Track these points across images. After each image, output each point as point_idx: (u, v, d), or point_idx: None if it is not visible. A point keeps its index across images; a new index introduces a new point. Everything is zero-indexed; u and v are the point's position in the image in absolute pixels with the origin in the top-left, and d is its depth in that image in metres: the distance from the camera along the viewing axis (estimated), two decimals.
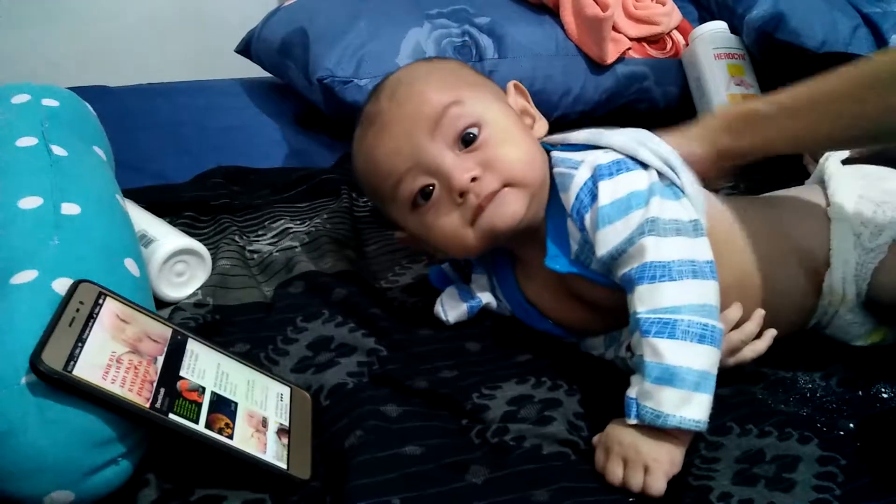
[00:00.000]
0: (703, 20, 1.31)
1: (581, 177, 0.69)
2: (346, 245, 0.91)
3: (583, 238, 0.69)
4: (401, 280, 0.88)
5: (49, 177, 0.70)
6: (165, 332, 0.62)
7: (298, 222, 0.99)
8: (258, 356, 0.72)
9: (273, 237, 0.95)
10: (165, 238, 0.81)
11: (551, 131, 0.79)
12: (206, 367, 0.62)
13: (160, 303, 0.79)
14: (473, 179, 0.68)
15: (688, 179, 0.71)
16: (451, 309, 0.78)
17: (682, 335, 0.60)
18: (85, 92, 0.96)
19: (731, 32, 1.23)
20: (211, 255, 0.86)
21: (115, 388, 0.53)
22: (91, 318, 0.57)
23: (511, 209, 0.69)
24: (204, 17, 1.72)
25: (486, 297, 0.79)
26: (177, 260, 0.81)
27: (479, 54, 1.20)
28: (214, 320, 0.77)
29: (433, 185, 0.69)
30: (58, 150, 0.75)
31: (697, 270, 0.63)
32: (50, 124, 0.79)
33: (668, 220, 0.65)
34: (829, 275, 0.72)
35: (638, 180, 0.68)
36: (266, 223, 0.99)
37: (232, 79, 1.50)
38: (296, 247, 0.90)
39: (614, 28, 1.24)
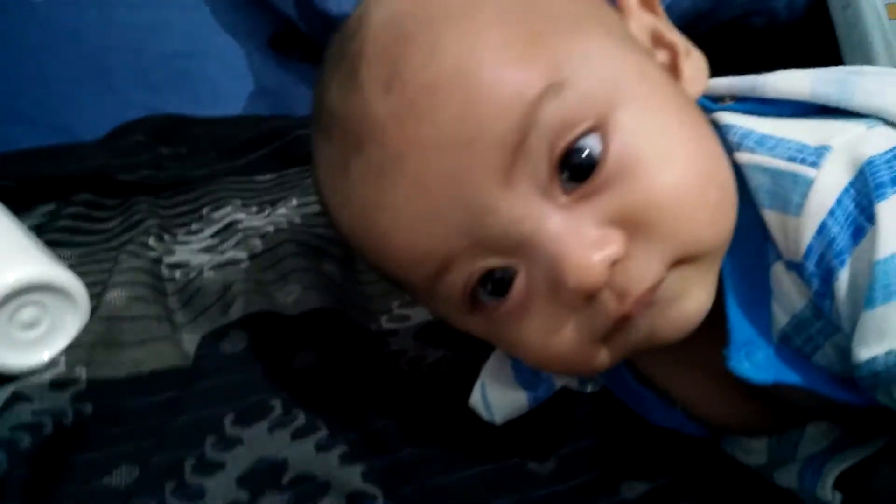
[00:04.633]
0: None
1: (830, 184, 0.32)
2: (323, 253, 0.57)
3: (813, 307, 0.33)
4: (412, 316, 0.54)
5: None
6: None
7: (255, 209, 0.65)
8: None
9: (211, 237, 0.62)
10: (3, 263, 0.47)
11: None
12: None
13: None
14: (613, 263, 0.32)
15: None
16: (498, 400, 0.44)
17: None
18: None
19: None
20: (105, 272, 0.54)
21: None
22: None
23: (692, 307, 0.33)
24: None
25: (561, 378, 0.44)
26: (21, 302, 0.47)
27: None
28: (81, 419, 0.44)
29: (513, 269, 0.34)
30: None
31: None
32: None
33: None
34: None
35: None
36: (204, 210, 0.66)
37: None
38: (242, 260, 0.56)
39: None
